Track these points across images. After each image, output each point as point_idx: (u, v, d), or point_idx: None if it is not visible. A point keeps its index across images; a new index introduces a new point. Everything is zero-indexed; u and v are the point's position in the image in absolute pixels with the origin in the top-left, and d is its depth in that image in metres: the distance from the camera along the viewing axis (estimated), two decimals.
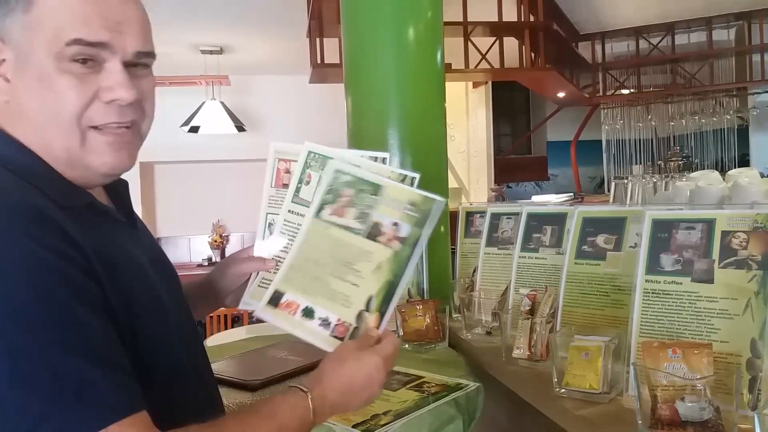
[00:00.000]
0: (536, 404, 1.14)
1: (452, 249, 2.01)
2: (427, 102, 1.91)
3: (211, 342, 3.56)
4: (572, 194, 5.90)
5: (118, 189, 0.87)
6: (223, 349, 1.72)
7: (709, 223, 1.02)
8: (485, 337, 1.53)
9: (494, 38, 4.93)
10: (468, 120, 6.98)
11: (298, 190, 1.06)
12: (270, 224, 1.07)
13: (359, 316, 0.95)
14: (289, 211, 1.06)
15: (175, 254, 6.90)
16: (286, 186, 1.07)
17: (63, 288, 0.65)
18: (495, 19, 4.78)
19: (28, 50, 0.74)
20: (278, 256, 1.03)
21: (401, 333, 1.56)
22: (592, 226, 1.30)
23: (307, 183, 1.06)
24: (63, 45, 0.73)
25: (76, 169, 0.77)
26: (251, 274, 1.04)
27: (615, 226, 1.27)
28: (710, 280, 0.99)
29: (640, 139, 6.98)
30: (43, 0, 0.73)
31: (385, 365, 0.87)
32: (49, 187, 0.71)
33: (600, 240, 1.28)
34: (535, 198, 5.89)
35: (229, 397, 1.21)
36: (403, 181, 1.03)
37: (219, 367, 1.36)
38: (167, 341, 0.80)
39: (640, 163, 6.73)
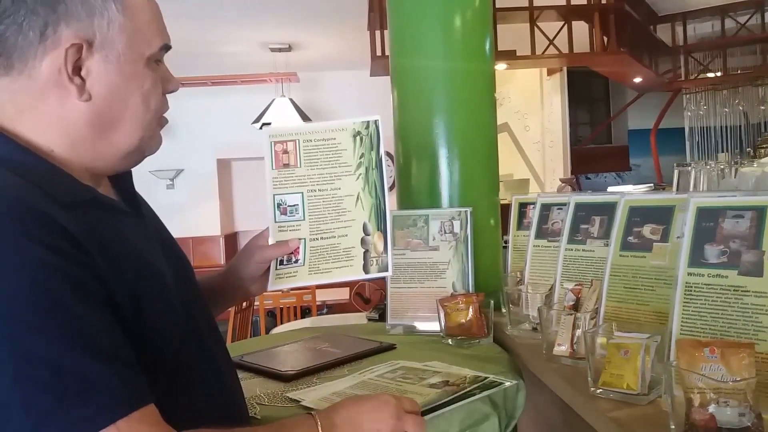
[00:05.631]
0: (572, 404, 1.09)
1: (505, 242, 1.95)
2: (475, 92, 1.85)
3: (274, 331, 3.69)
4: (652, 185, 5.61)
5: (121, 178, 0.87)
6: (272, 339, 1.75)
7: (759, 211, 0.93)
8: (531, 333, 1.47)
9: (562, 23, 4.76)
10: (543, 109, 6.79)
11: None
12: (279, 204, 1.13)
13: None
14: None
15: None
16: (286, 166, 1.14)
17: (60, 284, 0.65)
18: (563, 2, 4.61)
19: (121, 50, 0.77)
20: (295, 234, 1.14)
21: (444, 327, 1.52)
22: (638, 215, 1.22)
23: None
24: (157, 49, 0.80)
25: (127, 157, 0.81)
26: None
27: (662, 215, 1.18)
28: (759, 274, 0.90)
29: (726, 126, 6.55)
30: (133, 4, 0.78)
31: (397, 403, 0.88)
32: (49, 185, 0.71)
33: (646, 230, 1.20)
34: (611, 189, 5.65)
35: (262, 387, 1.22)
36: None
37: (257, 358, 1.38)
38: (176, 335, 0.79)
39: (727, 151, 6.32)
